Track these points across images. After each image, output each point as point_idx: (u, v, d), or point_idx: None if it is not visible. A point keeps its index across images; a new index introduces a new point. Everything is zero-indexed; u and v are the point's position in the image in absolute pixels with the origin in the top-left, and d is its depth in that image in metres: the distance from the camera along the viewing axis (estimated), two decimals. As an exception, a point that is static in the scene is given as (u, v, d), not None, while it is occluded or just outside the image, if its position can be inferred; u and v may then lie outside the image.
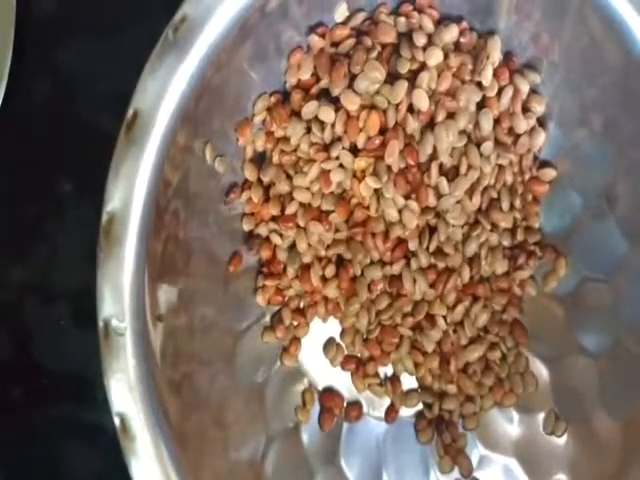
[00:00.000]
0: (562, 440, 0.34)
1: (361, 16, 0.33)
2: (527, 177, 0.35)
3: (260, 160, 0.34)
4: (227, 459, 0.32)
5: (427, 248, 0.34)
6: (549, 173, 0.34)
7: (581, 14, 0.31)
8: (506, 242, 0.35)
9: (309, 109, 0.32)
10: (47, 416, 0.37)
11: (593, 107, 0.33)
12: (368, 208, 0.33)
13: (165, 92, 0.27)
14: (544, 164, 0.34)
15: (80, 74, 0.38)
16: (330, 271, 0.34)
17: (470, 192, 0.33)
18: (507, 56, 0.33)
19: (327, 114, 0.32)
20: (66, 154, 0.37)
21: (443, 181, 0.33)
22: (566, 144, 0.34)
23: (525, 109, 0.34)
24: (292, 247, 0.34)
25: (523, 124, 0.33)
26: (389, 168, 0.32)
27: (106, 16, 0.38)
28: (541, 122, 0.34)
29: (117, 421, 0.28)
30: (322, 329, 0.36)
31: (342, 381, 0.36)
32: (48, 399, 0.37)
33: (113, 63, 0.37)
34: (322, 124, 0.32)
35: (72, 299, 0.37)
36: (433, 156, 0.33)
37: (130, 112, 0.27)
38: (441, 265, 0.34)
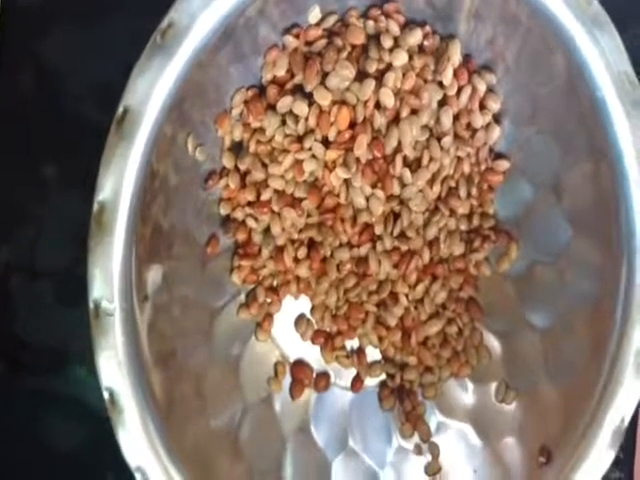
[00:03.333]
0: (511, 407, 0.35)
1: (333, 18, 0.33)
2: (483, 168, 0.36)
3: (237, 149, 0.35)
4: (207, 428, 0.33)
5: (391, 232, 0.35)
6: (503, 164, 0.36)
7: (530, 23, 0.32)
8: (463, 227, 0.36)
9: (284, 103, 0.33)
10: (29, 390, 0.38)
11: (542, 107, 0.34)
12: (338, 196, 0.34)
13: (152, 91, 0.28)
14: (498, 156, 0.36)
15: (63, 64, 0.38)
16: (302, 253, 0.35)
17: (431, 182, 0.35)
18: (466, 58, 0.34)
19: (301, 108, 0.33)
20: (50, 142, 0.37)
21: (407, 172, 0.34)
22: (518, 139, 0.35)
23: (482, 106, 0.35)
24: (266, 230, 0.35)
25: (480, 120, 0.35)
26: (358, 160, 0.33)
27: (89, 6, 0.38)
28: (496, 118, 0.35)
29: (106, 395, 0.29)
30: (294, 306, 0.37)
31: (312, 354, 0.37)
32: (30, 373, 0.38)
33: (96, 53, 0.37)
34: (296, 117, 0.33)
35: (55, 278, 0.37)
36: (398, 149, 0.34)
37: (120, 109, 0.28)
38: (404, 248, 0.35)
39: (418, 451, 0.36)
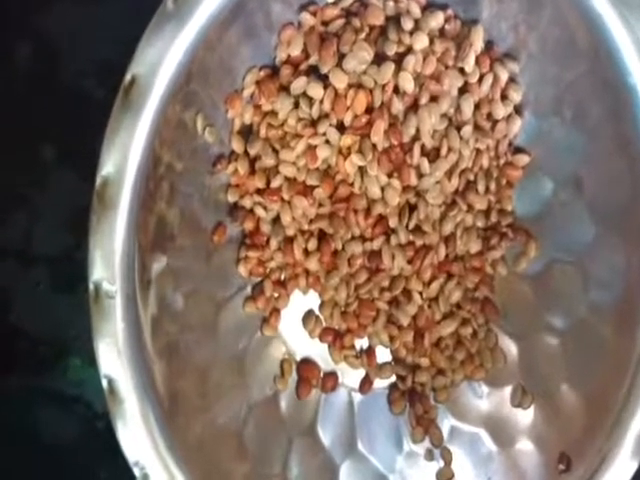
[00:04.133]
0: (528, 412, 0.34)
1: (351, -3, 0.32)
2: (502, 162, 0.34)
3: (247, 133, 0.33)
4: (210, 424, 0.31)
5: (407, 226, 0.34)
6: (523, 159, 0.34)
7: (556, 5, 0.31)
8: (480, 223, 0.35)
9: (298, 84, 0.32)
10: (23, 379, 0.37)
11: (565, 97, 0.33)
12: (352, 185, 0.33)
13: (163, 61, 0.27)
14: (518, 150, 0.34)
15: (63, 39, 0.36)
16: (312, 245, 0.34)
17: (449, 174, 0.33)
18: (488, 45, 0.33)
19: (316, 90, 0.32)
20: (49, 121, 0.36)
21: (424, 162, 0.33)
22: (540, 132, 0.34)
23: (503, 97, 0.33)
24: (275, 220, 0.34)
25: (501, 111, 0.33)
26: (374, 146, 0.32)
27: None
28: (517, 110, 0.34)
29: (105, 383, 0.27)
30: (302, 301, 0.35)
31: (319, 352, 0.35)
32: (25, 362, 0.37)
33: (97, 28, 0.36)
34: (310, 100, 0.32)
35: (51, 264, 0.36)
36: (416, 137, 0.32)
37: (128, 78, 0.26)
38: (419, 242, 0.34)
39: (429, 457, 0.35)
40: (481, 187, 0.34)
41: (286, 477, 0.33)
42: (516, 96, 0.34)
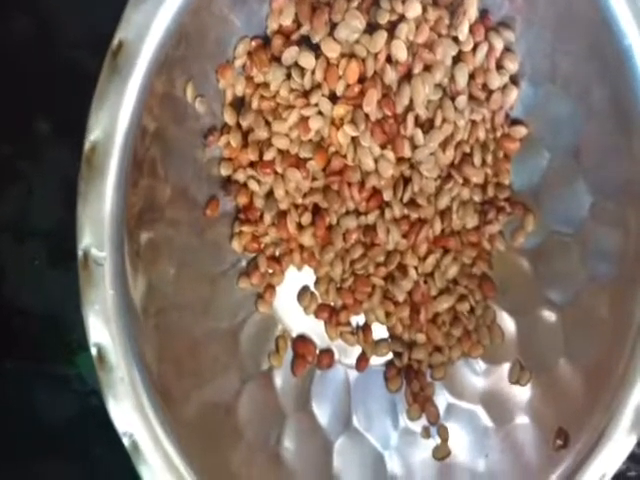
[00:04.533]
0: (526, 388, 0.34)
1: (342, -35, 0.32)
2: (499, 134, 0.34)
3: (240, 105, 0.33)
4: (203, 399, 0.31)
5: (401, 199, 0.33)
6: (520, 131, 0.34)
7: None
8: (477, 197, 0.34)
9: (290, 54, 0.32)
10: (18, 355, 0.36)
11: (564, 68, 0.32)
12: (345, 157, 0.32)
13: (150, 25, 0.26)
14: (515, 122, 0.34)
15: (60, 13, 0.36)
16: (306, 219, 0.33)
17: (444, 145, 0.33)
18: (483, 13, 0.33)
19: (307, 60, 0.31)
20: (44, 94, 0.36)
21: (419, 132, 0.32)
22: (537, 103, 0.34)
23: (499, 66, 0.33)
24: (269, 194, 0.33)
25: (496, 81, 0.33)
26: (367, 117, 0.32)
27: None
28: (513, 80, 0.33)
29: (94, 351, 0.27)
30: (297, 277, 0.35)
31: (315, 329, 0.35)
32: (20, 338, 0.36)
33: (93, 1, 0.35)
34: (302, 70, 0.32)
35: (47, 239, 0.36)
36: (409, 107, 0.32)
37: (115, 42, 0.26)
38: (414, 216, 0.33)
39: (426, 434, 0.35)
40: (477, 160, 0.34)
41: (281, 454, 0.32)
42: (512, 66, 0.33)
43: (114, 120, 0.26)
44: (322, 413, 0.34)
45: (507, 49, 0.33)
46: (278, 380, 0.34)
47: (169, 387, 0.29)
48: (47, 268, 0.35)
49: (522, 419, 0.33)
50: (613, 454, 0.30)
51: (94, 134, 0.26)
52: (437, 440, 0.34)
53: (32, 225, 0.36)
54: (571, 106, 0.33)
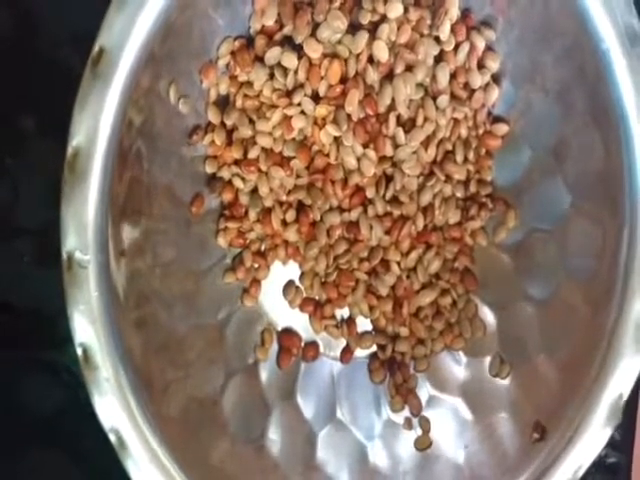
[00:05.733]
0: (505, 381, 0.34)
1: (325, -34, 0.32)
2: (481, 131, 0.34)
3: (224, 103, 0.33)
4: (188, 394, 0.32)
5: (384, 196, 0.34)
6: (502, 128, 0.34)
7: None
8: (459, 193, 0.35)
9: (272, 54, 0.32)
10: (7, 350, 0.37)
11: (545, 68, 0.32)
12: (328, 155, 0.33)
13: (131, 29, 0.27)
14: (497, 119, 0.34)
15: (42, 8, 0.36)
16: (291, 215, 0.34)
17: (426, 143, 0.33)
18: (465, 13, 0.33)
19: (290, 60, 0.32)
20: (28, 91, 0.36)
21: (400, 132, 0.33)
22: (518, 101, 0.34)
23: (480, 65, 0.33)
24: (254, 191, 0.34)
25: (478, 79, 0.33)
26: (349, 117, 0.32)
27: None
28: (495, 79, 0.34)
29: (79, 351, 0.27)
30: (282, 272, 0.35)
31: (300, 322, 0.36)
32: (8, 334, 0.37)
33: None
34: (285, 70, 0.32)
35: (35, 236, 0.36)
36: (391, 107, 0.32)
37: (96, 48, 0.26)
38: (396, 213, 0.34)
39: (408, 425, 0.35)
40: (459, 157, 0.34)
41: (265, 446, 0.33)
42: (493, 65, 0.34)
43: (96, 125, 0.27)
44: (307, 405, 0.35)
45: (489, 48, 0.33)
46: (263, 373, 0.35)
47: (154, 383, 0.30)
48: (36, 264, 0.36)
49: (501, 412, 0.34)
50: (589, 446, 0.31)
51: (76, 139, 0.27)
52: (419, 431, 0.35)
53: (20, 222, 0.36)
54: (550, 105, 0.33)
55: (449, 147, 0.34)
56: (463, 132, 0.34)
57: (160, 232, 0.31)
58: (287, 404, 0.35)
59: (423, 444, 0.35)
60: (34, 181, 0.36)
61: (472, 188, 0.35)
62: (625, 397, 0.30)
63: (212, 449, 0.31)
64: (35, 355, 0.37)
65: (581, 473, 0.31)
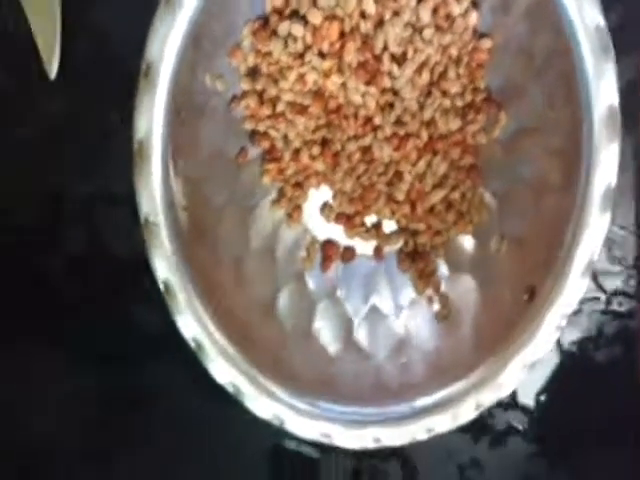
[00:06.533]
0: (504, 256, 0.39)
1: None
2: (470, 48, 0.39)
3: (252, 73, 0.39)
4: (245, 303, 0.39)
5: (389, 121, 0.40)
6: (486, 43, 0.39)
7: None
8: (459, 103, 0.39)
9: (284, 27, 0.38)
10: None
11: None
12: (338, 98, 0.39)
13: (167, 42, 0.35)
14: (483, 35, 0.39)
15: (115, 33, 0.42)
16: (316, 150, 0.40)
17: (419, 70, 0.39)
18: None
19: (298, 29, 0.38)
20: (114, 95, 0.40)
21: (394, 66, 0.38)
22: (496, 24, 0.38)
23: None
24: (285, 137, 0.40)
25: (456, 8, 0.38)
26: (349, 65, 0.38)
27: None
28: (475, 3, 0.38)
29: (162, 287, 0.36)
30: (317, 195, 0.42)
31: (337, 233, 0.42)
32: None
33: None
34: (295, 38, 0.38)
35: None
36: (384, 48, 0.38)
37: (144, 66, 0.34)
38: (401, 132, 0.40)
39: (430, 301, 0.41)
40: (452, 74, 0.39)
41: (311, 328, 0.40)
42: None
43: (151, 122, 0.35)
44: (347, 298, 0.41)
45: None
46: (309, 279, 0.41)
47: (219, 297, 0.38)
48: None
49: (500, 283, 0.39)
50: (568, 300, 0.36)
51: (138, 135, 0.35)
52: (437, 306, 0.41)
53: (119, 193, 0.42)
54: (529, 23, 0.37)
55: (441, 69, 0.39)
56: (453, 52, 0.39)
57: (213, 183, 0.39)
58: (330, 300, 0.41)
59: (442, 315, 0.41)
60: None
61: (468, 97, 0.39)
62: (596, 255, 0.36)
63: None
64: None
65: (570, 311, 0.36)
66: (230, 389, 0.37)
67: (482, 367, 0.37)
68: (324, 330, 0.40)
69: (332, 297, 0.41)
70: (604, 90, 0.36)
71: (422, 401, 0.37)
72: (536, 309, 0.37)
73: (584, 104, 0.36)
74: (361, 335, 0.41)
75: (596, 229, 0.36)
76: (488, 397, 0.37)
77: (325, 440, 0.37)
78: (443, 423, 0.37)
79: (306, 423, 0.37)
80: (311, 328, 0.40)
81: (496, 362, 0.37)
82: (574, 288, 0.36)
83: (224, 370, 0.37)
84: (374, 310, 0.42)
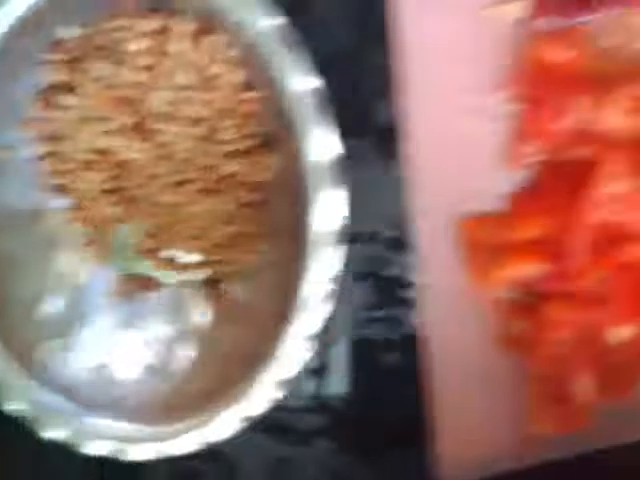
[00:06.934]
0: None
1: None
2: (237, 100, 0.44)
3: (47, 138, 0.47)
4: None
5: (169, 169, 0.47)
6: (252, 94, 0.44)
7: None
8: (237, 147, 0.45)
9: (62, 99, 0.46)
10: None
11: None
12: (121, 154, 0.47)
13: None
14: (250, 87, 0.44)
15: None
16: (114, 198, 0.48)
17: (194, 124, 0.46)
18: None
19: (73, 100, 0.46)
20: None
21: (162, 124, 0.46)
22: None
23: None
24: (85, 188, 0.48)
25: (217, 69, 0.45)
26: (125, 126, 0.46)
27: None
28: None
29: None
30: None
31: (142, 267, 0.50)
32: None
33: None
34: (73, 107, 0.46)
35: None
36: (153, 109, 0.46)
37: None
38: (179, 178, 0.47)
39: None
40: (228, 123, 0.45)
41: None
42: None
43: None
44: None
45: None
46: None
47: None
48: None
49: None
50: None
51: None
52: None
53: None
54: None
55: (213, 121, 0.46)
56: (222, 106, 0.45)
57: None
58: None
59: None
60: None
61: (245, 142, 0.45)
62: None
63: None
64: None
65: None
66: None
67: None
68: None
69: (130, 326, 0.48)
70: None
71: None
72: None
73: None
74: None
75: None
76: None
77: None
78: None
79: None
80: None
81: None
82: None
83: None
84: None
